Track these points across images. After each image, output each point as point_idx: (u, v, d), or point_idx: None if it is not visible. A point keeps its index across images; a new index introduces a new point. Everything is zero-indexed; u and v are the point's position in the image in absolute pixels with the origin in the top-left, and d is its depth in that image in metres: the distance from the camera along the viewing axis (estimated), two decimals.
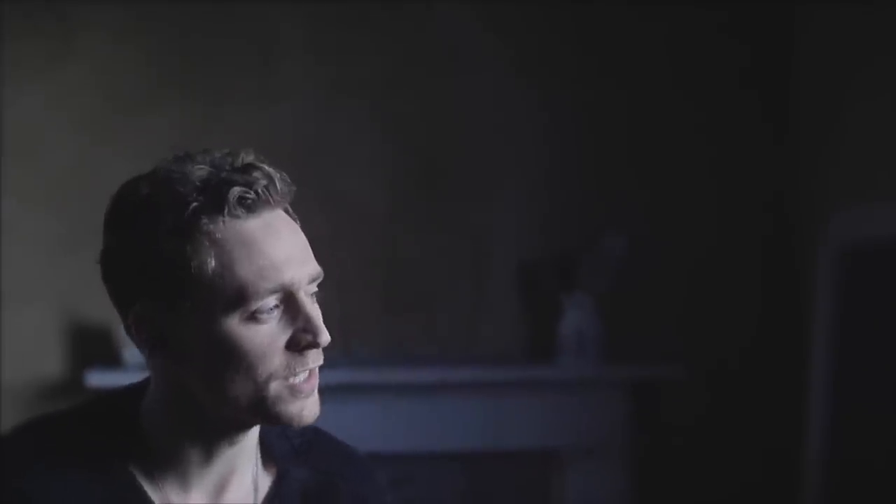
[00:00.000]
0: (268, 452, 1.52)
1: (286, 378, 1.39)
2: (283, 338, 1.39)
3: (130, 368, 3.78)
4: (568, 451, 4.08)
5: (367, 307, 4.04)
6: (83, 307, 3.95)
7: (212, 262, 1.37)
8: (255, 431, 1.48)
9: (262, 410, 1.40)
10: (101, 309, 3.89)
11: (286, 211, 1.43)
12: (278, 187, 1.40)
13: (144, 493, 1.42)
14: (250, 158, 1.41)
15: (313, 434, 1.57)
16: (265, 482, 1.50)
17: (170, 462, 1.44)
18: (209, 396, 1.40)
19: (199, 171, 1.40)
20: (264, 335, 1.38)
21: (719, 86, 4.24)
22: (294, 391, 1.39)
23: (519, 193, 4.19)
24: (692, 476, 4.18)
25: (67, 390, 3.90)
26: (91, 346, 3.95)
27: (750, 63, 4.24)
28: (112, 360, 3.89)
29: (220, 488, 1.47)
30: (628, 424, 4.08)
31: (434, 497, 4.05)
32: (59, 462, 1.41)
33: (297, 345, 1.39)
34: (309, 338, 1.39)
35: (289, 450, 1.53)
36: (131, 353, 3.82)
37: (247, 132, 3.96)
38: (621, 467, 4.07)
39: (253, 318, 1.38)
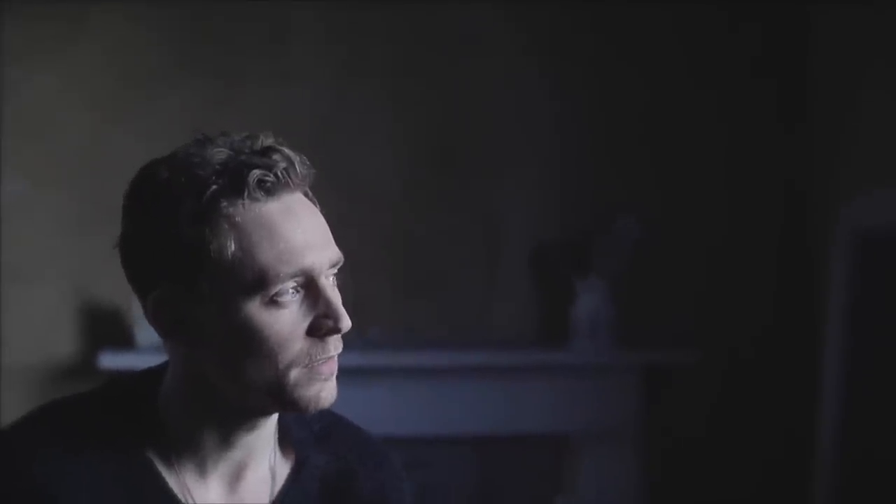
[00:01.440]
0: (286, 438, 1.51)
1: (306, 365, 1.38)
2: (304, 323, 1.38)
3: (143, 350, 3.78)
4: (580, 436, 4.07)
5: (380, 290, 4.03)
6: (96, 288, 3.95)
7: (231, 246, 1.36)
8: (273, 418, 1.47)
9: (280, 396, 1.39)
10: (114, 290, 3.92)
11: (306, 195, 1.43)
12: (298, 170, 1.39)
13: (161, 478, 1.42)
14: (269, 141, 1.40)
15: (332, 419, 1.56)
16: (283, 469, 1.49)
17: (187, 447, 1.43)
18: (227, 382, 1.40)
19: (219, 154, 1.38)
20: (285, 321, 1.37)
21: (734, 71, 4.22)
22: (313, 374, 1.38)
23: (532, 176, 4.18)
24: (704, 462, 4.17)
25: (80, 372, 3.90)
26: (103, 328, 3.95)
27: (764, 49, 4.22)
28: (125, 341, 3.89)
29: (237, 474, 1.46)
30: (641, 409, 4.07)
31: (446, 481, 4.05)
32: (75, 446, 1.40)
33: (318, 330, 1.38)
34: (330, 323, 1.38)
35: (308, 436, 1.52)
36: (144, 334, 3.82)
37: (260, 113, 3.95)
38: (633, 452, 4.07)
39: (273, 302, 1.37)
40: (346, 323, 1.39)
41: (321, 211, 1.44)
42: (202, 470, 1.44)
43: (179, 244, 1.37)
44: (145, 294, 1.42)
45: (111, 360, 3.76)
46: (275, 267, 1.36)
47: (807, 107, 4.20)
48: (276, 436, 1.49)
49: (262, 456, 1.47)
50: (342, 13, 4.11)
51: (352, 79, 4.11)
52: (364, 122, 4.09)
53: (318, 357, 1.38)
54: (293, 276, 1.37)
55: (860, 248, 3.74)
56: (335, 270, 1.42)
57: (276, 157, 1.38)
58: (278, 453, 1.50)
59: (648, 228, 4.10)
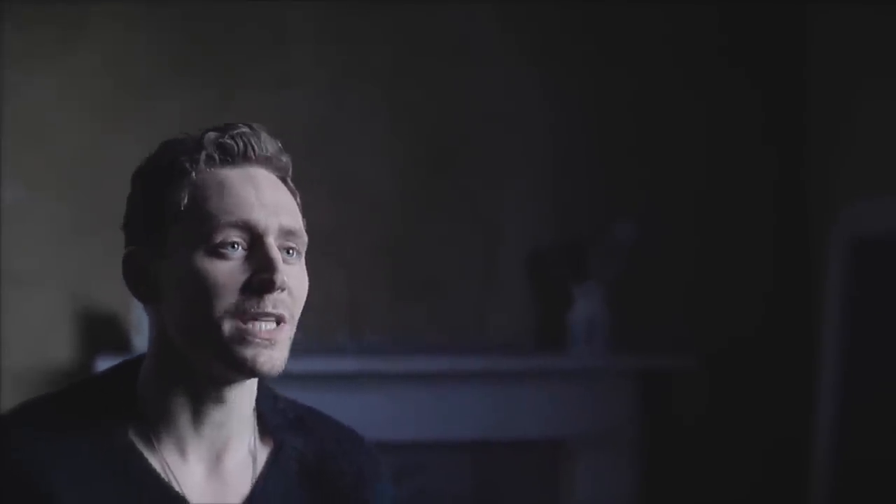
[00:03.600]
0: (263, 426, 1.54)
1: (241, 320, 1.41)
2: (242, 277, 1.42)
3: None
4: (577, 441, 4.08)
5: (376, 294, 4.04)
6: (93, 293, 3.95)
7: (185, 199, 1.44)
8: (244, 396, 1.49)
9: (218, 350, 1.42)
10: (111, 295, 3.92)
11: (283, 181, 1.49)
12: (262, 144, 1.47)
13: (144, 459, 1.45)
14: (247, 123, 1.49)
15: (305, 409, 1.60)
16: (262, 454, 1.53)
17: (164, 425, 1.47)
18: (182, 340, 1.44)
19: (198, 132, 1.49)
20: (223, 270, 1.42)
21: (730, 77, 4.23)
22: (248, 335, 1.41)
23: (528, 181, 4.19)
24: (700, 466, 4.18)
25: (77, 376, 3.89)
26: (101, 332, 3.96)
27: (761, 55, 4.23)
28: (122, 346, 3.89)
29: (218, 457, 1.49)
30: (637, 414, 4.08)
31: (443, 486, 4.05)
32: (59, 433, 1.44)
33: (254, 285, 1.42)
34: (264, 277, 1.41)
35: (283, 422, 1.56)
36: (141, 339, 3.83)
37: (257, 117, 3.91)
38: (630, 457, 4.07)
39: (216, 252, 1.42)
40: (279, 276, 1.42)
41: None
42: (182, 450, 1.47)
43: (145, 203, 1.47)
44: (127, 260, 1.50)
45: (108, 365, 3.75)
46: (218, 215, 1.43)
47: (804, 113, 4.21)
48: (255, 424, 1.53)
49: (241, 441, 1.51)
50: (339, 18, 4.12)
51: (349, 83, 4.12)
52: (361, 127, 4.10)
53: (252, 310, 1.41)
54: (236, 227, 1.43)
55: (856, 254, 3.75)
56: (294, 245, 1.47)
57: (240, 126, 1.48)
58: (257, 440, 1.53)
59: (645, 233, 4.11)
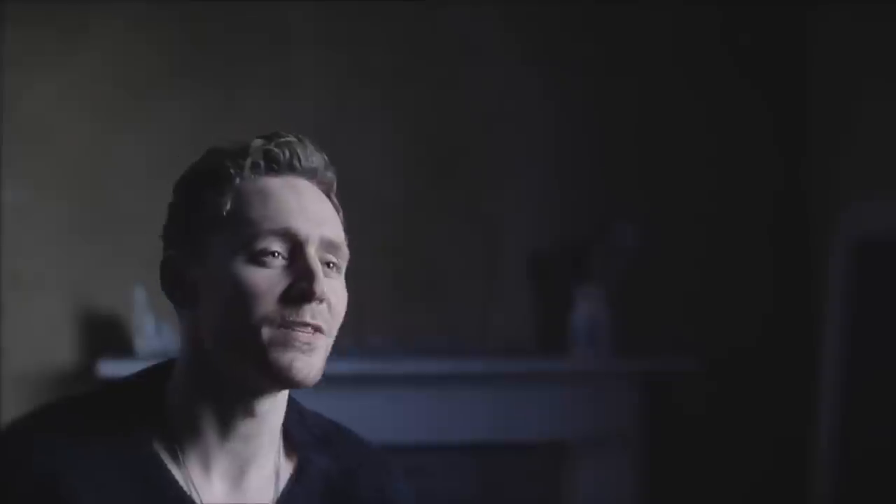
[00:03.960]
0: (288, 442, 1.52)
1: (280, 326, 1.40)
2: (281, 285, 1.41)
3: (142, 358, 3.78)
4: (579, 443, 4.08)
5: (378, 297, 4.04)
6: (95, 296, 3.95)
7: (228, 205, 1.43)
8: (273, 410, 1.47)
9: (256, 356, 1.40)
10: (113, 297, 3.92)
11: (327, 194, 1.49)
12: (308, 155, 1.47)
13: (167, 470, 1.43)
14: (296, 134, 1.49)
15: (333, 426, 1.58)
16: (286, 471, 1.51)
17: (190, 436, 1.44)
18: (217, 346, 1.42)
19: (245, 140, 1.47)
20: (263, 278, 1.40)
21: (731, 78, 4.23)
22: (288, 339, 1.40)
23: (530, 184, 4.19)
24: (703, 468, 4.18)
25: (79, 379, 3.90)
26: (103, 335, 3.96)
27: (762, 55, 4.24)
28: (124, 349, 3.89)
29: (241, 473, 1.47)
30: (639, 416, 4.08)
31: (445, 488, 4.05)
32: (83, 439, 1.42)
33: (293, 294, 1.40)
34: (304, 286, 1.40)
35: (309, 439, 1.54)
36: (143, 342, 3.83)
37: (259, 120, 3.95)
38: (632, 459, 4.07)
39: (256, 260, 1.41)
40: (319, 286, 1.40)
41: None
42: (206, 464, 1.45)
43: (186, 207, 1.46)
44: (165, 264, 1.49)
45: (110, 368, 3.76)
46: (261, 223, 1.42)
47: (805, 114, 4.21)
48: (281, 440, 1.50)
49: (267, 457, 1.48)
50: (342, 22, 4.12)
51: (351, 85, 4.12)
52: (364, 130, 4.10)
53: (292, 319, 1.40)
54: (277, 235, 1.41)
55: (858, 256, 3.75)
56: (335, 259, 1.46)
57: (286, 136, 1.47)
58: (283, 457, 1.51)
59: (646, 236, 4.11)
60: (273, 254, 1.41)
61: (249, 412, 1.45)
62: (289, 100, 4.07)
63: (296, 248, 1.42)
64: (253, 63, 4.08)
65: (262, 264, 1.41)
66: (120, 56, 4.02)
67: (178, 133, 3.94)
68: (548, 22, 4.18)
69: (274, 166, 1.45)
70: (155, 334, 3.83)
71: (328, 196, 1.49)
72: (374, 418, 3.72)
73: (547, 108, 4.19)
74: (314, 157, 1.48)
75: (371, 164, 4.09)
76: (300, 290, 1.40)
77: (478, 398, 4.01)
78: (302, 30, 4.11)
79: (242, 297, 1.39)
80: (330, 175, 1.50)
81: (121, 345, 3.91)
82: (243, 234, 1.41)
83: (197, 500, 1.43)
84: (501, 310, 4.18)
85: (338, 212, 1.49)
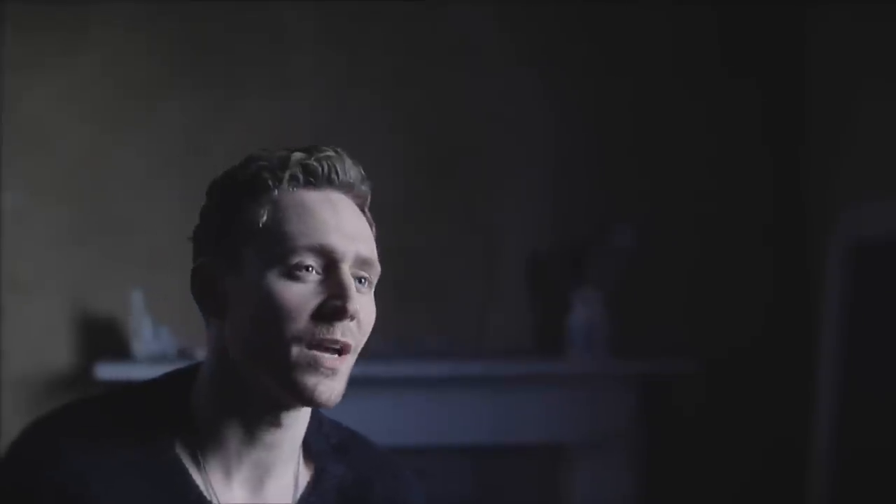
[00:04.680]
0: (307, 450, 1.53)
1: (309, 346, 1.40)
2: (314, 302, 1.41)
3: (140, 361, 3.79)
4: (576, 446, 4.08)
5: (377, 299, 4.03)
6: (93, 299, 3.95)
7: (264, 216, 1.43)
8: (296, 422, 1.48)
9: (282, 374, 1.40)
10: (111, 300, 3.92)
11: (361, 209, 1.50)
12: (346, 169, 1.48)
13: (188, 475, 1.43)
14: (333, 147, 1.49)
15: (349, 434, 1.59)
16: (304, 479, 1.51)
17: (213, 443, 1.45)
18: (242, 357, 1.42)
19: (283, 151, 1.47)
20: (296, 293, 1.40)
21: (728, 78, 4.24)
22: (315, 362, 1.40)
23: (528, 187, 4.19)
24: (700, 470, 4.18)
25: (76, 382, 3.90)
26: (100, 339, 3.95)
27: (760, 56, 4.24)
28: (121, 352, 3.89)
29: (262, 480, 1.47)
30: (636, 419, 4.08)
31: (444, 490, 4.05)
32: (104, 440, 1.42)
33: (326, 311, 1.41)
34: (337, 303, 1.41)
35: (326, 448, 1.55)
36: (141, 345, 3.83)
37: (258, 123, 3.96)
38: (630, 461, 4.07)
39: (290, 274, 1.41)
40: (352, 305, 1.41)
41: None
42: (227, 470, 1.45)
43: (222, 215, 1.45)
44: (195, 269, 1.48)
45: (108, 372, 3.76)
46: (297, 237, 1.42)
47: (803, 117, 4.21)
48: (301, 449, 1.51)
49: (286, 465, 1.49)
50: (340, 22, 4.13)
51: (349, 87, 4.12)
52: (362, 132, 4.10)
53: (322, 336, 1.40)
54: (312, 251, 1.42)
55: (855, 257, 3.75)
56: (367, 275, 1.47)
57: (326, 150, 1.47)
58: (302, 465, 1.52)
59: (644, 238, 4.11)
60: (307, 268, 1.41)
61: (275, 423, 1.46)
62: (287, 101, 4.07)
63: (330, 264, 1.42)
64: (252, 65, 4.09)
65: (296, 279, 1.41)
66: (119, 59, 4.02)
67: (177, 136, 3.94)
68: (546, 23, 4.19)
69: (312, 180, 1.45)
70: (152, 337, 3.83)
71: (362, 210, 1.50)
72: (373, 421, 3.71)
73: (545, 110, 4.20)
74: (352, 172, 1.49)
75: (369, 165, 4.07)
76: (333, 307, 1.41)
77: (476, 400, 4.01)
78: (300, 31, 4.11)
79: (274, 312, 1.40)
80: (365, 189, 1.51)
81: (118, 348, 3.91)
82: (279, 247, 1.41)
83: None
84: (499, 312, 4.18)
85: (371, 226, 1.51)
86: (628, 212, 4.17)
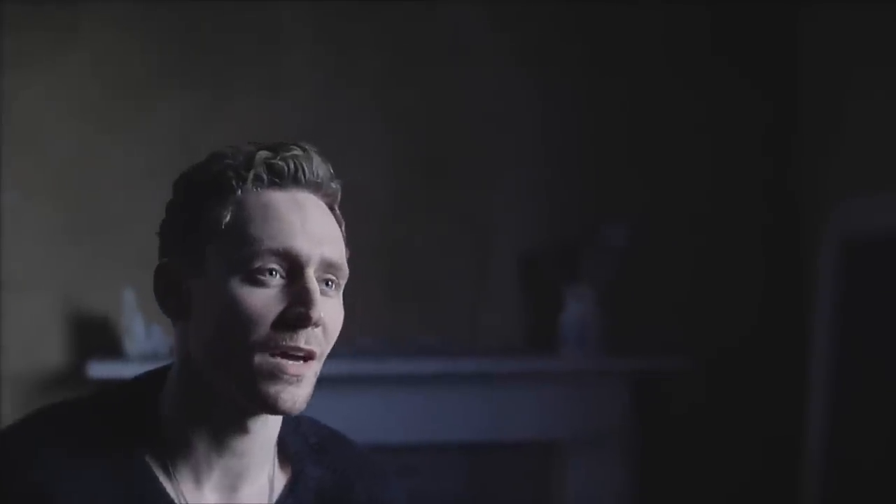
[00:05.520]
0: (283, 452, 1.50)
1: (272, 354, 1.37)
2: (278, 309, 1.37)
3: (132, 359, 3.78)
4: (569, 443, 4.08)
5: (369, 297, 4.04)
6: (85, 297, 3.95)
7: (228, 217, 1.39)
8: (268, 428, 1.45)
9: (244, 382, 1.37)
10: (104, 299, 3.92)
11: (330, 207, 1.45)
12: (314, 168, 1.42)
13: (158, 481, 1.41)
14: (301, 143, 1.44)
15: (329, 433, 1.56)
16: (280, 482, 1.48)
17: (181, 450, 1.42)
18: (204, 362, 1.39)
19: (250, 147, 1.43)
20: (258, 299, 1.37)
21: (721, 77, 4.24)
22: (277, 370, 1.37)
23: (521, 184, 4.19)
24: (693, 467, 4.18)
25: (68, 381, 3.90)
26: (93, 337, 3.95)
27: (752, 54, 4.24)
28: (113, 350, 3.89)
29: (234, 486, 1.45)
30: (629, 416, 4.08)
31: (436, 488, 4.05)
32: (73, 448, 1.40)
33: (289, 318, 1.37)
34: (301, 310, 1.37)
35: (304, 449, 1.52)
36: (133, 343, 3.82)
37: (250, 121, 3.96)
38: (622, 458, 4.07)
39: (253, 279, 1.37)
40: (316, 312, 1.37)
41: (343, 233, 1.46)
42: (197, 477, 1.43)
43: (185, 215, 1.41)
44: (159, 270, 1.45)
45: (100, 370, 3.76)
46: (260, 241, 1.37)
47: (795, 113, 4.21)
48: (276, 451, 1.48)
49: (260, 469, 1.46)
50: (332, 23, 4.12)
51: (341, 86, 4.12)
52: (354, 131, 4.10)
53: (286, 344, 1.36)
54: (277, 255, 1.37)
55: (848, 252, 3.75)
56: (334, 278, 1.42)
57: (293, 148, 1.42)
58: (277, 467, 1.49)
59: (636, 236, 4.11)
60: (271, 272, 1.37)
61: (243, 429, 1.42)
62: (279, 101, 4.07)
63: (295, 268, 1.38)
64: (244, 64, 4.08)
65: (260, 284, 1.37)
66: (111, 58, 4.01)
67: (169, 135, 3.94)
68: (539, 22, 4.18)
69: (277, 180, 1.41)
70: (144, 336, 3.83)
71: (331, 208, 1.46)
72: (366, 418, 3.73)
73: (537, 109, 4.20)
74: (319, 170, 1.43)
75: (361, 164, 4.09)
76: (296, 314, 1.37)
77: (468, 398, 4.01)
78: (292, 31, 4.11)
79: (236, 318, 1.36)
80: (334, 186, 1.45)
81: (110, 346, 3.91)
82: (242, 250, 1.37)
83: None
84: (492, 310, 4.18)
85: (340, 225, 1.46)
86: (621, 210, 4.17)
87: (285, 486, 1.48)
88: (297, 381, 1.38)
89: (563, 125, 4.20)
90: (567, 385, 4.06)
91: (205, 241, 1.39)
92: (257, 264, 1.37)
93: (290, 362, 1.37)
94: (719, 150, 4.24)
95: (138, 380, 1.49)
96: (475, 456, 4.11)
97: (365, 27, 4.13)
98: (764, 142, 4.25)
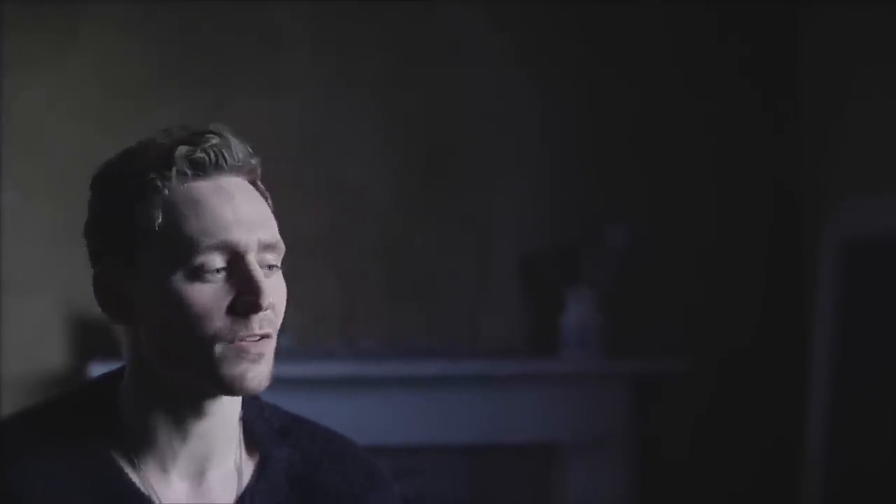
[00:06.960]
0: (250, 437, 1.51)
1: (231, 341, 1.38)
2: (226, 300, 1.39)
3: None
4: (570, 445, 4.08)
5: (369, 299, 4.04)
6: (86, 299, 3.90)
7: (159, 218, 1.40)
8: (229, 410, 1.47)
9: (206, 372, 1.39)
10: None
11: (253, 183, 1.46)
12: (234, 153, 1.43)
13: (125, 475, 1.43)
14: (209, 127, 1.44)
15: (291, 417, 1.58)
16: (249, 466, 1.50)
17: (144, 441, 1.44)
18: (160, 359, 1.41)
19: (164, 139, 1.44)
20: (206, 294, 1.38)
21: (722, 77, 4.24)
22: (240, 352, 1.39)
23: (522, 186, 4.19)
24: (694, 469, 4.18)
25: (69, 382, 3.89)
26: (93, 338, 3.95)
27: (753, 54, 4.24)
28: (114, 352, 3.88)
29: (201, 472, 1.46)
30: (630, 418, 4.08)
31: (436, 490, 4.05)
32: (40, 449, 1.42)
33: (239, 308, 1.39)
34: (250, 299, 1.39)
35: (269, 432, 1.53)
36: None
37: (251, 123, 3.91)
38: (623, 461, 4.07)
39: (196, 275, 1.38)
40: (266, 300, 1.39)
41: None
42: (163, 466, 1.45)
43: (114, 219, 1.42)
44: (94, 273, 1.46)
45: (102, 371, 3.74)
46: (198, 239, 1.38)
47: (796, 114, 4.21)
48: (241, 436, 1.50)
49: (226, 454, 1.48)
50: (332, 23, 4.12)
51: (342, 89, 4.12)
52: (354, 132, 4.10)
53: (242, 333, 1.39)
54: (216, 249, 1.39)
55: (849, 254, 3.75)
56: (273, 259, 1.43)
57: (210, 136, 1.42)
58: (244, 452, 1.50)
59: (638, 237, 4.11)
60: (214, 270, 1.39)
61: (201, 412, 1.44)
62: (279, 103, 4.07)
63: (235, 258, 1.39)
64: (243, 65, 4.08)
65: (203, 280, 1.38)
66: (110, 60, 4.02)
67: None
68: (539, 22, 4.18)
69: (200, 172, 1.41)
70: None
71: (255, 185, 1.46)
72: (366, 420, 3.72)
73: (538, 110, 4.19)
74: (239, 153, 1.43)
75: (362, 165, 4.09)
76: (246, 303, 1.38)
77: (469, 400, 4.01)
78: (292, 32, 4.10)
79: (188, 315, 1.38)
80: (254, 163, 1.46)
81: (111, 348, 3.90)
82: (180, 249, 1.38)
83: (156, 502, 1.43)
84: (492, 311, 4.18)
85: (265, 199, 1.46)
86: (622, 211, 4.17)
87: (255, 471, 1.50)
88: (260, 358, 1.40)
89: (564, 125, 4.20)
90: (568, 387, 4.06)
91: (139, 244, 1.41)
92: (199, 261, 1.38)
93: (251, 343, 1.39)
94: (720, 151, 4.24)
95: (97, 379, 1.52)
96: (476, 458, 4.11)
97: (365, 28, 4.12)
98: (764, 142, 4.24)
